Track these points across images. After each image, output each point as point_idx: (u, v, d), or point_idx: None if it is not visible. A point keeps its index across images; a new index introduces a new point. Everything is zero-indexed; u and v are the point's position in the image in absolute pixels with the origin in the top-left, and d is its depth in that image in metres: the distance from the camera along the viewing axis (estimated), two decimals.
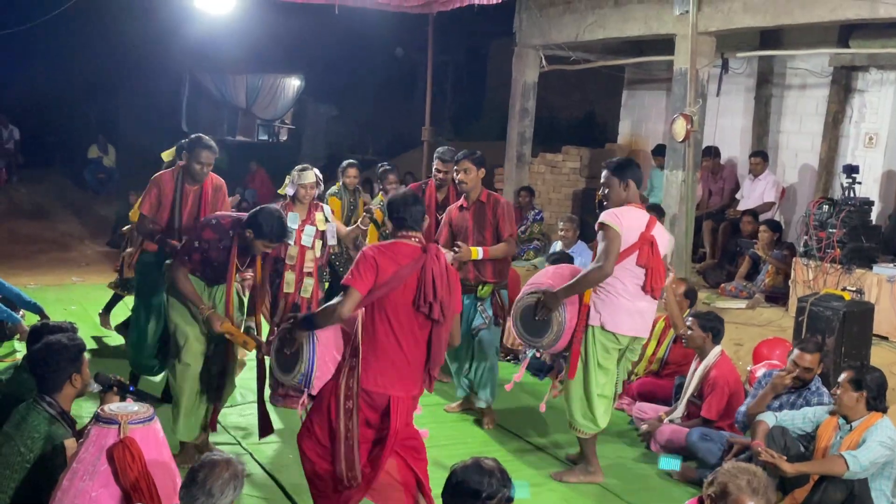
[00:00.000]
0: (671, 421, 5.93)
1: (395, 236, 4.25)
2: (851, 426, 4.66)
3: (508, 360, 7.51)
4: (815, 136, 9.67)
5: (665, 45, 9.37)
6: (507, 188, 11.46)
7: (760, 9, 7.99)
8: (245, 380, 6.33)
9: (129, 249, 7.44)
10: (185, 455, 5.12)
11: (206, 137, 5.90)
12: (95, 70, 17.26)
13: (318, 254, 6.37)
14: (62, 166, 17.43)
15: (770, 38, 9.78)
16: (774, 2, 7.84)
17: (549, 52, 11.00)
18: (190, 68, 19.22)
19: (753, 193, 9.57)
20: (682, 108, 8.51)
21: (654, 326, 6.50)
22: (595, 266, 4.98)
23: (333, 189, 8.00)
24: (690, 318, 6.05)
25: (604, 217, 5.00)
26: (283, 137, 23.57)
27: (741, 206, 9.61)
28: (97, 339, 7.74)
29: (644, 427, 6.02)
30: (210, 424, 5.36)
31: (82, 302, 9.04)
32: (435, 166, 6.70)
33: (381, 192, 8.10)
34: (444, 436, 5.94)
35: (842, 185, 7.92)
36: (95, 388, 4.04)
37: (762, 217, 9.12)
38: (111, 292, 8.18)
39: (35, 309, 7.18)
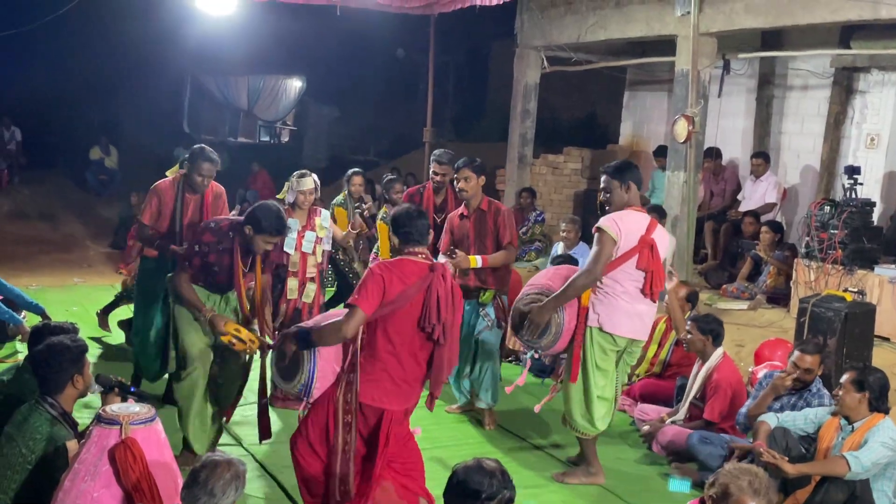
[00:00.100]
0: (673, 422, 5.92)
1: (401, 252, 4.24)
2: (853, 427, 4.65)
3: (510, 361, 7.50)
4: (817, 137, 9.66)
5: (666, 46, 9.37)
6: (509, 189, 11.47)
7: (762, 10, 7.99)
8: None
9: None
10: (186, 457, 5.13)
11: (209, 149, 5.92)
12: (97, 71, 17.28)
13: (319, 259, 6.38)
14: (64, 168, 17.44)
15: (771, 39, 9.78)
16: (776, 3, 7.84)
17: (551, 53, 11.01)
18: (192, 70, 19.26)
19: (755, 194, 9.56)
20: (683, 109, 8.51)
21: (654, 329, 6.52)
22: (583, 272, 5.00)
23: (339, 199, 8.01)
24: (689, 322, 6.05)
25: (602, 222, 5.01)
26: (285, 139, 23.59)
27: (742, 208, 9.61)
28: (98, 341, 7.73)
29: (645, 428, 6.02)
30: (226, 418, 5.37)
31: (84, 303, 9.04)
32: (432, 169, 6.69)
33: (386, 206, 8.10)
34: (446, 436, 5.95)
35: (843, 186, 7.92)
36: (97, 389, 4.05)
37: (763, 218, 9.12)
38: (112, 293, 8.19)
39: (37, 310, 7.19)
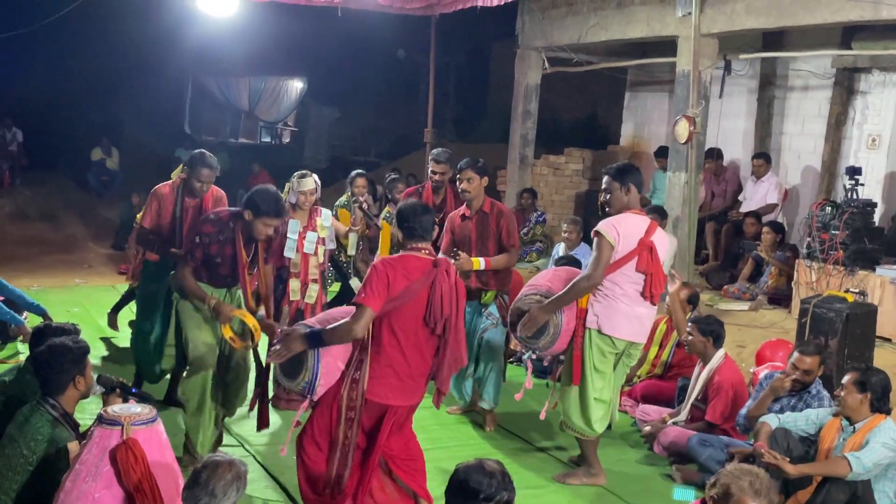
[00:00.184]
0: (675, 423, 5.92)
1: (404, 248, 4.25)
2: (855, 428, 4.65)
3: (510, 362, 7.50)
4: (818, 138, 9.66)
5: (667, 46, 9.37)
6: (510, 190, 11.47)
7: (763, 10, 7.99)
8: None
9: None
10: (188, 458, 5.13)
11: (209, 155, 5.94)
12: (99, 72, 17.30)
13: (321, 259, 6.37)
14: (65, 168, 17.46)
15: (773, 39, 9.78)
16: (777, 3, 7.84)
17: (552, 54, 11.01)
18: (193, 71, 19.28)
19: (756, 195, 9.56)
20: (684, 109, 8.51)
21: (655, 330, 6.53)
22: (584, 276, 5.01)
23: (342, 200, 8.02)
24: (690, 324, 6.05)
25: (600, 226, 5.02)
26: (286, 140, 23.62)
27: (744, 208, 9.61)
28: (106, 341, 7.73)
29: (647, 429, 6.02)
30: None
31: (85, 304, 9.05)
32: (431, 168, 6.69)
33: (389, 205, 8.10)
34: (447, 437, 5.95)
35: (844, 186, 7.92)
36: (98, 389, 4.04)
37: (765, 219, 9.12)
38: (114, 294, 8.19)
39: (38, 311, 7.19)
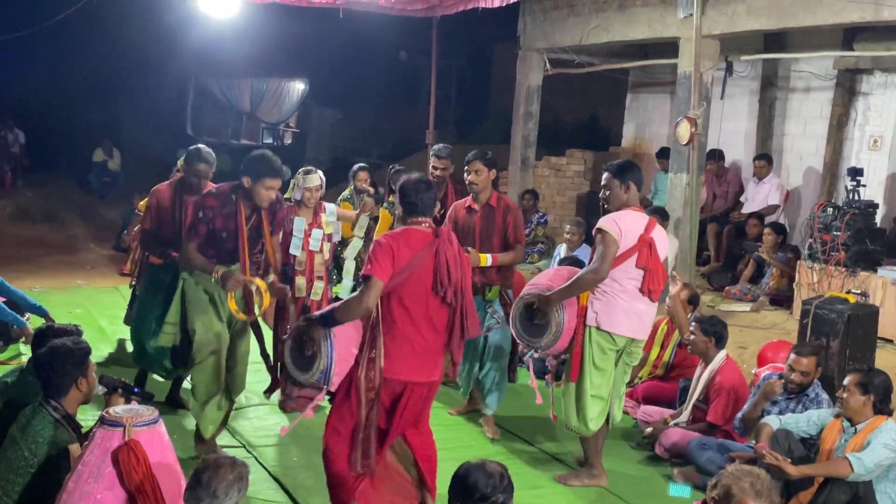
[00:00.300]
0: (676, 424, 5.92)
1: (404, 223, 4.27)
2: (856, 429, 4.65)
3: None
4: (820, 139, 9.66)
5: (669, 48, 9.38)
6: (511, 191, 11.47)
7: (764, 12, 7.99)
8: (249, 383, 6.31)
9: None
10: (206, 448, 5.19)
11: (205, 149, 5.96)
12: (100, 74, 17.30)
13: (326, 256, 6.35)
14: (67, 170, 17.47)
15: (774, 41, 9.78)
16: (778, 5, 7.84)
17: (553, 55, 11.01)
18: (195, 72, 19.27)
19: (758, 196, 9.56)
20: (686, 111, 8.51)
21: (656, 331, 6.52)
22: (590, 269, 4.99)
23: (346, 194, 8.03)
24: (693, 324, 6.05)
25: (601, 223, 5.02)
26: (288, 141, 23.61)
27: (745, 209, 9.61)
28: (102, 343, 7.73)
29: (648, 430, 6.01)
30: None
31: (87, 305, 9.05)
32: (432, 164, 6.67)
33: (392, 195, 8.09)
34: (449, 439, 5.93)
35: (846, 187, 7.92)
36: (101, 390, 4.04)
37: (766, 220, 9.12)
38: (116, 295, 8.19)
39: (40, 312, 7.20)
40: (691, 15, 8.37)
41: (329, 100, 20.79)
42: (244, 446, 5.63)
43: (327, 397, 4.48)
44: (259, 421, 6.13)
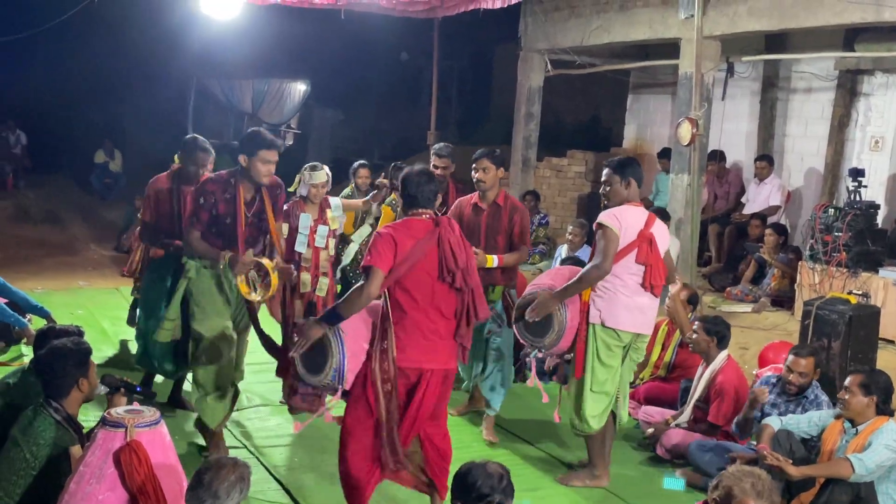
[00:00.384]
0: (677, 425, 5.92)
1: (405, 214, 4.28)
2: (857, 430, 4.66)
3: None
4: (821, 140, 9.66)
5: (670, 49, 9.38)
6: (513, 192, 11.45)
7: (765, 13, 7.99)
8: (250, 384, 6.34)
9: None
10: (214, 441, 5.21)
11: (201, 138, 6.00)
12: (102, 75, 17.31)
13: (332, 252, 6.32)
14: (69, 171, 17.48)
15: (775, 41, 9.78)
16: (779, 6, 7.84)
17: (555, 56, 11.01)
18: (196, 73, 19.27)
19: (759, 197, 9.56)
20: (687, 112, 8.51)
21: (657, 331, 6.51)
22: (593, 265, 4.99)
23: (347, 192, 8.04)
24: (697, 323, 6.05)
25: (602, 218, 5.02)
26: (289, 142, 23.63)
27: (747, 210, 9.61)
28: (104, 343, 7.74)
29: (650, 431, 6.01)
30: None
31: (89, 306, 9.06)
32: (432, 162, 6.64)
33: (394, 192, 8.09)
34: (452, 439, 5.93)
35: (847, 188, 7.93)
36: (103, 390, 4.05)
37: (768, 221, 9.12)
38: (118, 296, 8.19)
39: (42, 313, 7.21)
40: (692, 16, 8.37)
41: (330, 101, 20.81)
42: (246, 446, 5.63)
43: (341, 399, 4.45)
44: (261, 421, 6.13)
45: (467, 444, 5.93)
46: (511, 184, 11.67)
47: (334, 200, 6.46)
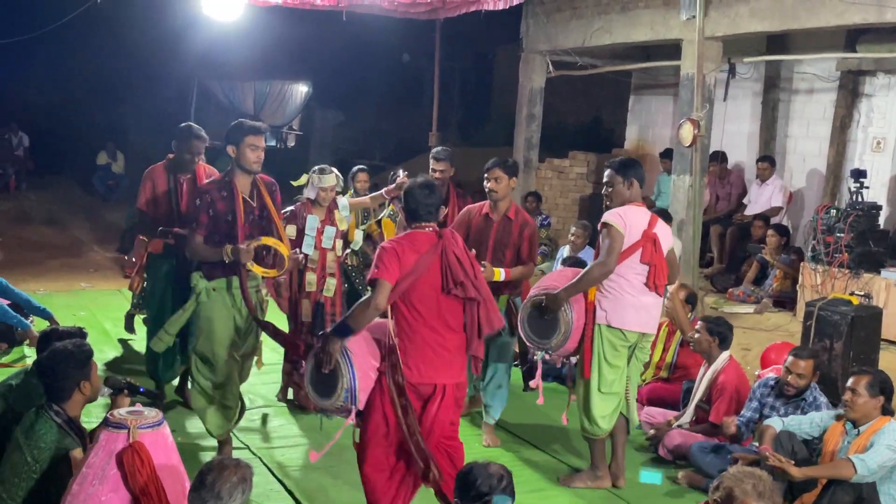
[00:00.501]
0: (679, 426, 5.92)
1: (409, 227, 4.28)
2: (859, 430, 4.65)
3: (515, 365, 7.47)
4: (823, 141, 9.66)
5: (672, 50, 9.38)
6: (514, 194, 11.45)
7: (767, 14, 7.99)
8: (252, 385, 6.34)
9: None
10: (222, 451, 5.23)
11: (196, 126, 6.03)
12: (104, 77, 17.35)
13: (339, 253, 6.29)
14: (71, 173, 17.51)
15: (777, 42, 9.78)
16: (781, 7, 7.84)
17: (556, 57, 11.02)
18: (198, 75, 19.30)
19: (761, 198, 9.56)
20: (689, 113, 8.52)
21: (657, 333, 6.50)
22: (597, 263, 4.99)
23: (347, 194, 8.04)
24: (699, 323, 6.05)
25: (606, 217, 5.02)
26: (291, 143, 23.66)
27: (749, 211, 9.61)
28: (106, 345, 7.75)
29: (652, 432, 6.01)
30: None
31: (91, 307, 9.07)
32: (431, 166, 6.60)
33: (393, 203, 8.08)
34: None
35: (849, 189, 7.93)
36: (106, 392, 4.04)
37: (770, 222, 9.12)
38: (120, 298, 8.19)
39: (44, 314, 7.22)
40: (694, 17, 8.37)
41: (332, 102, 20.83)
42: (248, 447, 5.64)
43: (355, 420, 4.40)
44: (263, 422, 6.13)
45: (469, 444, 5.91)
46: None
47: (341, 201, 6.42)
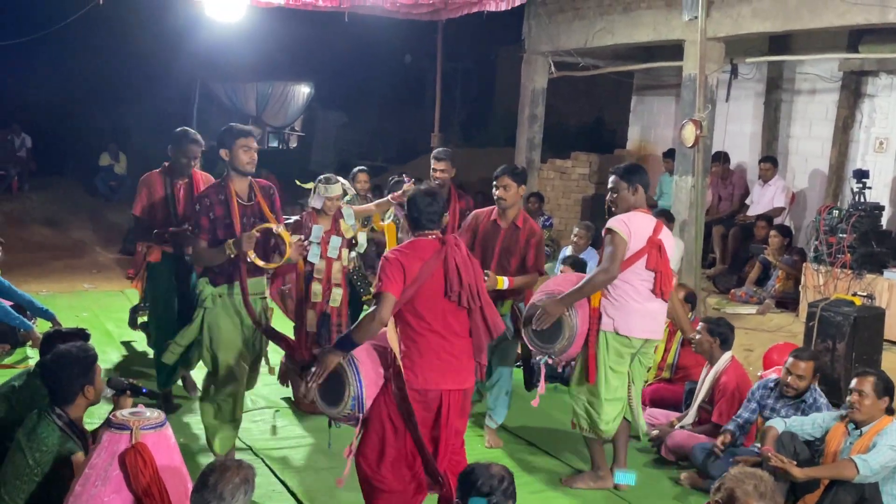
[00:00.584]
0: (682, 427, 5.92)
1: (412, 235, 4.28)
2: (861, 431, 4.65)
3: (518, 366, 7.47)
4: (825, 141, 9.65)
5: (674, 50, 9.38)
6: None
7: (769, 14, 7.99)
8: (255, 386, 6.33)
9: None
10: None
11: (192, 131, 6.04)
12: (106, 78, 17.38)
13: (345, 263, 6.23)
14: (73, 174, 17.54)
15: (779, 43, 9.78)
16: (783, 7, 7.84)
17: (558, 58, 11.03)
18: (200, 76, 19.34)
19: (763, 199, 9.56)
20: (691, 113, 8.52)
21: None
22: (600, 269, 4.99)
23: (347, 197, 8.04)
24: (701, 324, 6.05)
25: (611, 223, 5.02)
26: (293, 144, 23.69)
27: (751, 212, 9.61)
28: (109, 346, 7.76)
29: (655, 433, 6.01)
30: None
31: (94, 309, 9.08)
32: (432, 166, 6.59)
33: (392, 207, 8.07)
34: None
35: (852, 190, 7.92)
36: (109, 393, 4.04)
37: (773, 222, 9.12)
38: (122, 299, 8.19)
39: (47, 316, 7.22)
40: (696, 17, 8.37)
41: (334, 103, 20.87)
42: (251, 449, 5.64)
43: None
44: (266, 424, 6.14)
45: (471, 445, 5.92)
46: None
47: (346, 210, 6.40)
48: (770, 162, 9.60)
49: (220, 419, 5.17)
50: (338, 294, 6.11)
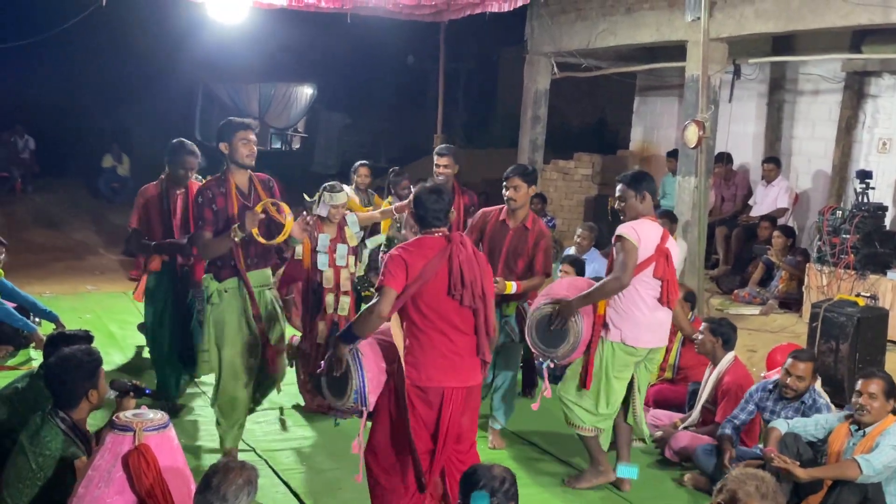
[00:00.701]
0: (685, 428, 5.91)
1: (420, 233, 4.29)
2: (864, 431, 4.65)
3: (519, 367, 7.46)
4: (828, 142, 9.65)
5: (677, 51, 9.38)
6: None
7: (772, 15, 7.98)
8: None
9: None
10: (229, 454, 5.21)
11: (189, 142, 6.08)
12: (109, 80, 17.40)
13: (352, 270, 6.23)
14: (76, 175, 17.55)
15: (782, 43, 9.77)
16: (786, 8, 7.84)
17: (561, 59, 11.02)
18: (203, 78, 19.38)
19: (766, 199, 9.55)
20: (694, 114, 8.50)
21: None
22: (612, 277, 4.98)
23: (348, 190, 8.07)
24: (703, 324, 6.05)
25: (621, 230, 5.02)
26: (296, 146, 23.70)
27: (754, 213, 9.60)
28: (112, 348, 7.77)
29: (658, 434, 6.00)
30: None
31: (97, 310, 9.08)
32: (435, 162, 6.59)
33: (390, 196, 8.08)
34: None
35: (855, 190, 7.91)
36: (112, 394, 4.04)
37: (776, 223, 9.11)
38: (126, 301, 8.19)
39: (50, 317, 7.23)
40: (699, 18, 8.36)
41: (337, 104, 20.88)
42: (254, 450, 5.64)
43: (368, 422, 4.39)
44: (269, 425, 6.14)
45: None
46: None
47: (351, 217, 6.39)
48: (773, 162, 9.59)
49: (234, 420, 5.18)
50: (345, 302, 6.11)
